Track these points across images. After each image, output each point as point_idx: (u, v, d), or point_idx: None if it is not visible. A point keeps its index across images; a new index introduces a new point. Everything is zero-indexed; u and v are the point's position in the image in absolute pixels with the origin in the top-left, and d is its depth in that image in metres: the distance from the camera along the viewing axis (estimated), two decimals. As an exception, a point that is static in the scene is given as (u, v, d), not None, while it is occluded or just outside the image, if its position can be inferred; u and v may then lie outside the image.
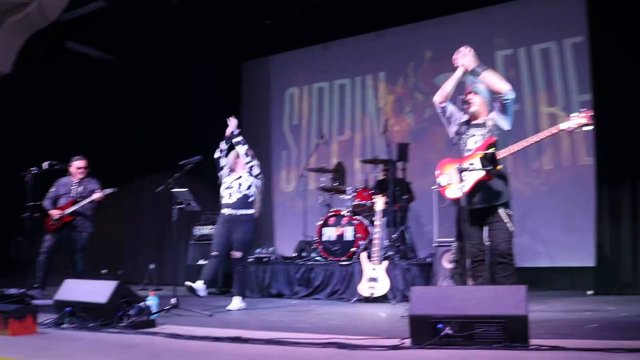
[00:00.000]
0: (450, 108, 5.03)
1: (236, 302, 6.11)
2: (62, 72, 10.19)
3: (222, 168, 6.41)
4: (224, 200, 6.25)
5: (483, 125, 4.85)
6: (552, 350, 3.15)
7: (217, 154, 6.43)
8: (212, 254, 6.16)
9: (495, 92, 4.77)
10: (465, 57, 4.85)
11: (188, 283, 5.83)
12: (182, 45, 10.25)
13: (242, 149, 6.30)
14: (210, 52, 10.40)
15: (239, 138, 6.33)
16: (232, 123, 6.38)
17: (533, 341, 3.25)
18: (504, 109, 4.81)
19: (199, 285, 5.92)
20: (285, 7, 9.40)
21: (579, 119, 4.45)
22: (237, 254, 6.11)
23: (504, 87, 4.74)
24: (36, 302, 6.33)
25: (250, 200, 6.24)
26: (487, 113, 4.94)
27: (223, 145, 6.36)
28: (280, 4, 9.38)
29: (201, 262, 8.36)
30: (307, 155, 9.73)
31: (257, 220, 6.43)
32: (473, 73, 4.81)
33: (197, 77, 10.56)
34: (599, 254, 7.10)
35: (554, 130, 4.56)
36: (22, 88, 9.76)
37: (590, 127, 4.48)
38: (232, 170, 6.40)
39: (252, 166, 6.30)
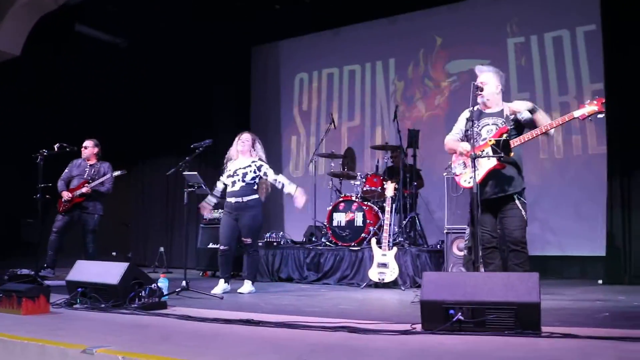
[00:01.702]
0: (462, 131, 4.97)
1: (247, 286, 6.14)
2: (72, 55, 10.20)
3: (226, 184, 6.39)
4: (229, 188, 6.25)
5: (499, 114, 4.82)
6: (564, 337, 3.15)
7: (227, 182, 6.34)
8: (222, 248, 6.19)
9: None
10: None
11: (212, 291, 5.84)
12: (191, 29, 10.23)
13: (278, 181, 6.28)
14: (220, 36, 10.37)
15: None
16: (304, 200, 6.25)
17: (545, 329, 3.25)
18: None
19: (221, 287, 6.02)
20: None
21: (592, 107, 4.43)
22: (248, 240, 6.13)
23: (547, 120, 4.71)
24: (47, 282, 6.39)
25: (254, 187, 6.23)
26: (500, 101, 4.90)
27: (277, 184, 6.28)
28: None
29: (211, 245, 8.41)
30: (317, 141, 9.71)
31: (265, 205, 6.43)
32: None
33: (207, 60, 10.54)
34: (609, 244, 7.09)
35: (567, 118, 4.53)
36: (32, 70, 9.78)
37: (603, 115, 4.45)
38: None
39: (262, 165, 6.31)
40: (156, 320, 4.08)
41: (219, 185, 6.38)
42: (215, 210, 8.59)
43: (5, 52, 9.11)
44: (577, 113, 4.50)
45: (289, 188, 6.18)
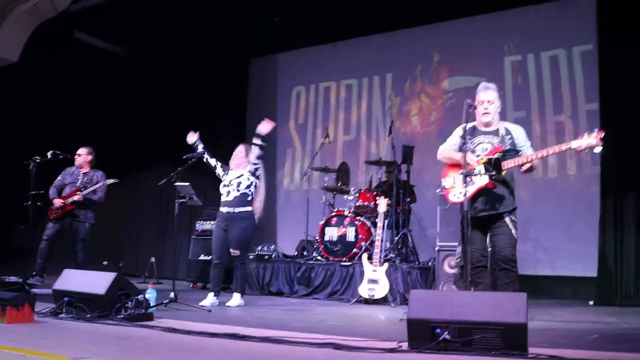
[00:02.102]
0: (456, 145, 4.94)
1: (236, 299, 6.10)
2: (70, 62, 10.20)
3: (214, 167, 6.41)
4: (223, 198, 6.24)
5: (494, 133, 4.80)
6: (550, 359, 3.12)
7: (205, 156, 6.42)
8: (215, 262, 6.18)
9: None
10: None
11: (200, 304, 5.83)
12: (191, 39, 10.24)
13: (259, 151, 6.27)
14: (219, 48, 10.38)
15: (263, 141, 6.30)
16: (270, 125, 6.31)
17: (532, 350, 3.22)
18: None
19: (210, 300, 6.01)
20: (294, 4, 9.36)
21: (591, 139, 4.33)
22: (236, 252, 6.11)
23: None
24: (35, 290, 6.34)
25: (249, 198, 6.21)
26: (498, 120, 4.89)
27: (258, 142, 6.28)
28: (290, 1, 9.35)
29: (202, 257, 8.37)
30: (312, 154, 9.70)
31: (257, 219, 6.41)
32: None
33: (205, 71, 10.55)
34: (601, 265, 7.07)
35: (564, 147, 4.47)
36: (29, 77, 9.76)
37: (600, 149, 4.38)
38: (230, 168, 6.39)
39: (257, 167, 6.29)
40: (141, 331, 4.04)
41: (214, 160, 6.45)
42: (208, 222, 8.58)
43: (3, 58, 9.09)
44: (574, 144, 4.41)
45: (256, 139, 6.27)
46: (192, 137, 6.51)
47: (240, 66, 11.03)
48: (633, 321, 5.28)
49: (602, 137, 4.31)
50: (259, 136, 6.26)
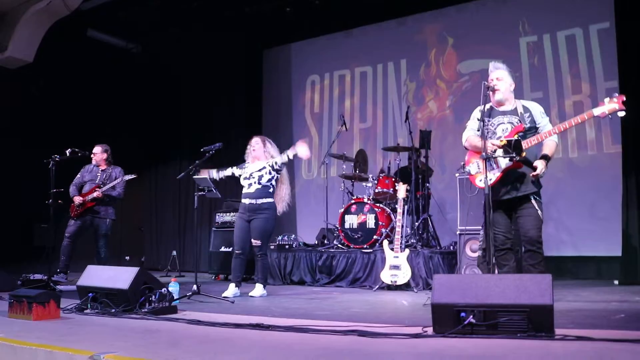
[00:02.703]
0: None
1: (259, 289, 6.11)
2: (85, 60, 10.25)
3: (232, 175, 6.40)
4: (244, 190, 6.24)
5: (513, 112, 4.74)
6: (578, 340, 3.09)
7: (236, 172, 6.37)
8: (236, 252, 6.19)
9: None
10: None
11: (222, 295, 5.85)
12: (203, 33, 10.25)
13: (286, 160, 6.22)
14: (232, 40, 10.38)
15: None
16: (308, 152, 6.20)
17: (558, 331, 3.19)
18: None
19: (232, 290, 6.02)
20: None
21: (612, 104, 4.29)
22: (258, 242, 6.11)
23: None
24: (60, 287, 6.42)
25: (270, 190, 6.21)
26: (513, 98, 4.83)
27: (290, 156, 6.15)
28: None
29: (223, 249, 8.40)
30: (329, 143, 9.69)
31: (283, 209, 6.40)
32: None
33: (219, 64, 10.55)
34: (625, 244, 6.99)
35: (586, 116, 4.39)
36: (45, 77, 9.83)
37: (623, 113, 4.32)
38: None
39: (280, 169, 6.28)
40: (166, 324, 4.05)
41: (227, 171, 6.38)
42: (228, 214, 8.60)
43: (18, 58, 9.17)
44: (596, 111, 4.36)
45: (291, 152, 6.13)
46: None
47: (253, 58, 11.01)
48: (660, 300, 5.23)
49: (623, 100, 4.25)
50: (293, 154, 6.15)
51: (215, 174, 6.33)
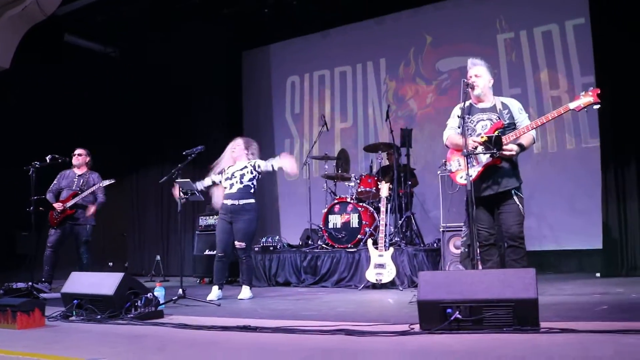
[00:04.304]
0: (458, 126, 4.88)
1: (246, 291, 6.10)
2: (62, 65, 10.17)
3: (213, 183, 6.36)
4: (226, 191, 6.20)
5: (492, 109, 4.78)
6: (562, 332, 3.14)
7: (215, 179, 6.34)
8: (218, 254, 6.16)
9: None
10: None
11: (207, 298, 5.83)
12: (182, 35, 10.21)
13: (269, 169, 6.22)
14: (211, 42, 10.35)
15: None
16: (294, 167, 6.17)
17: (543, 324, 3.23)
18: None
19: (215, 293, 5.99)
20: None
21: (587, 98, 4.38)
22: (241, 244, 6.09)
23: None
24: (44, 295, 6.36)
25: (252, 191, 6.19)
26: (492, 95, 4.87)
27: (275, 167, 6.17)
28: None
29: (207, 252, 8.37)
30: (310, 143, 9.69)
31: (261, 209, 6.38)
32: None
33: (198, 67, 10.51)
34: (605, 236, 7.09)
35: (562, 110, 4.47)
36: (22, 83, 9.73)
37: (598, 106, 4.40)
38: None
39: (260, 173, 6.26)
40: (152, 329, 4.04)
41: (207, 180, 6.35)
42: (211, 217, 8.57)
43: (-6, 65, 9.07)
44: (572, 105, 4.44)
45: (276, 163, 6.13)
46: (176, 192, 6.18)
47: (232, 60, 10.99)
48: (641, 290, 5.30)
49: (598, 93, 4.33)
50: (278, 166, 6.16)
51: (199, 185, 6.30)
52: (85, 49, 10.90)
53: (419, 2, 9.29)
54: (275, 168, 6.19)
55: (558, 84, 8.21)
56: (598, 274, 6.99)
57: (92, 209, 7.30)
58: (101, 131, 10.49)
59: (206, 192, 6.43)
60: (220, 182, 6.29)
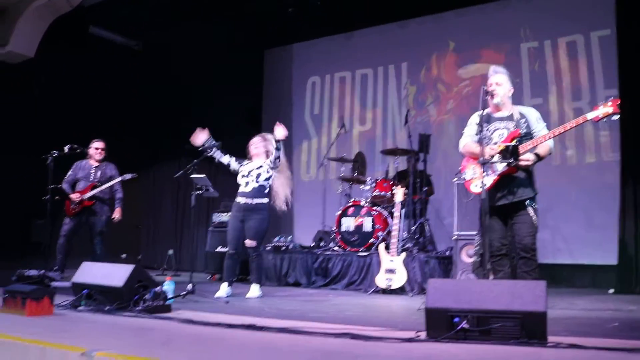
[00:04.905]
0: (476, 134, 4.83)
1: (255, 290, 6.10)
2: (86, 57, 10.24)
3: (228, 164, 6.37)
4: (240, 189, 6.21)
5: (509, 118, 4.74)
6: (570, 348, 3.08)
7: (234, 165, 6.35)
8: (230, 252, 6.17)
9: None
10: None
11: (215, 295, 5.86)
12: (204, 31, 10.24)
13: (276, 153, 6.22)
14: (233, 39, 10.37)
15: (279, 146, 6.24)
16: (283, 130, 6.16)
17: (551, 338, 3.19)
18: None
19: (224, 290, 6.00)
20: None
21: (606, 108, 4.31)
22: (252, 243, 6.09)
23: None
24: (55, 284, 6.41)
25: (266, 191, 6.20)
26: (510, 104, 4.83)
27: (274, 151, 6.20)
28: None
29: (220, 249, 8.39)
30: (328, 145, 9.68)
31: (275, 209, 6.38)
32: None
33: (220, 63, 10.55)
34: (621, 252, 6.98)
35: (580, 120, 4.41)
36: (45, 72, 9.83)
37: (618, 117, 4.33)
38: (249, 159, 6.36)
39: (277, 158, 6.25)
40: (159, 323, 4.05)
41: (227, 157, 6.37)
42: (225, 214, 8.60)
43: (19, 53, 9.17)
44: (590, 115, 4.38)
45: (273, 140, 6.18)
46: (201, 137, 6.28)
47: (254, 58, 11.01)
48: (654, 309, 5.22)
49: (618, 104, 4.25)
50: (275, 140, 6.19)
51: (219, 154, 6.29)
52: (109, 42, 10.98)
53: (442, 7, 9.23)
54: (274, 144, 6.17)
55: (580, 96, 8.12)
56: (611, 290, 6.89)
57: (118, 212, 7.36)
58: (121, 123, 10.56)
59: (218, 183, 6.43)
60: (234, 170, 6.29)
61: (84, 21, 10.10)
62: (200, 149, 6.15)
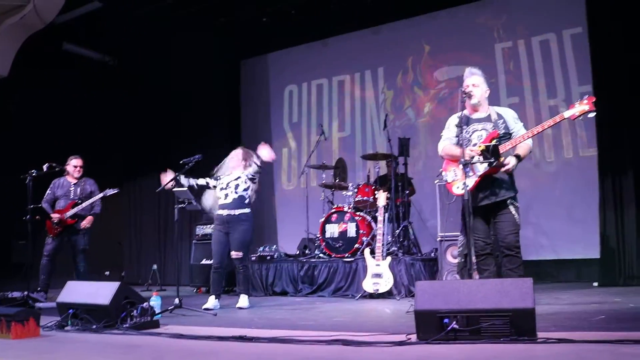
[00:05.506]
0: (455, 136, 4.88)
1: (244, 300, 6.09)
2: (60, 73, 10.17)
3: (206, 185, 6.35)
4: (220, 202, 6.20)
5: (487, 119, 4.79)
6: (559, 342, 3.12)
7: (211, 182, 6.33)
8: (215, 266, 6.16)
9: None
10: None
11: (203, 307, 5.82)
12: (179, 44, 10.22)
13: (257, 168, 6.24)
14: (209, 51, 10.36)
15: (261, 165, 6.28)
16: (271, 154, 6.23)
17: (540, 334, 3.22)
18: None
19: (212, 302, 5.97)
20: (282, 4, 9.35)
21: (582, 106, 4.40)
22: (238, 254, 6.08)
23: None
24: (40, 305, 6.33)
25: (246, 201, 6.20)
26: (487, 105, 4.88)
27: (258, 162, 6.22)
28: (277, 1, 9.33)
29: (204, 261, 8.34)
30: (308, 152, 9.68)
31: (258, 218, 6.37)
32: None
33: (196, 76, 10.49)
34: (603, 246, 7.06)
35: (557, 119, 4.49)
36: (20, 91, 9.73)
37: (594, 114, 4.41)
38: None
39: (254, 178, 6.26)
40: (148, 339, 4.02)
41: (201, 180, 6.32)
42: (208, 226, 8.55)
43: (-7, 73, 9.07)
44: (567, 113, 4.46)
45: (257, 159, 6.21)
46: (166, 178, 6.16)
47: (231, 68, 10.99)
48: (638, 300, 5.28)
49: (594, 101, 4.34)
50: (259, 160, 6.21)
51: (184, 179, 6.23)
52: (84, 58, 10.91)
53: (414, 12, 9.30)
54: (259, 163, 6.21)
55: (556, 93, 8.22)
56: (595, 284, 6.97)
57: (87, 221, 7.26)
58: (99, 139, 10.48)
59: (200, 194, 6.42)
60: (215, 187, 6.28)
61: (58, 38, 10.02)
62: (184, 161, 6.11)
